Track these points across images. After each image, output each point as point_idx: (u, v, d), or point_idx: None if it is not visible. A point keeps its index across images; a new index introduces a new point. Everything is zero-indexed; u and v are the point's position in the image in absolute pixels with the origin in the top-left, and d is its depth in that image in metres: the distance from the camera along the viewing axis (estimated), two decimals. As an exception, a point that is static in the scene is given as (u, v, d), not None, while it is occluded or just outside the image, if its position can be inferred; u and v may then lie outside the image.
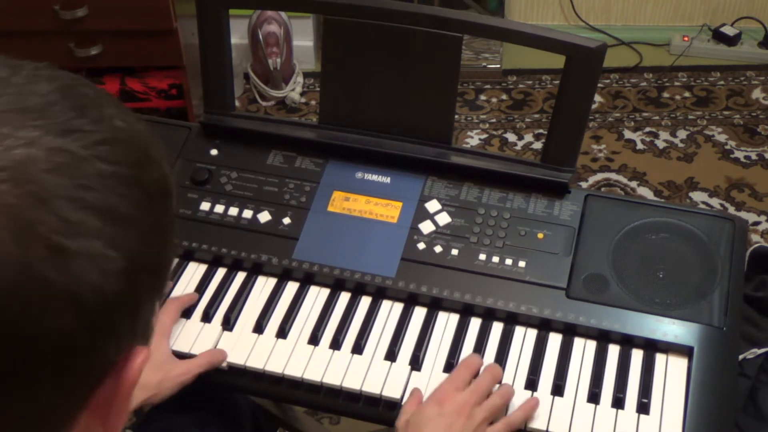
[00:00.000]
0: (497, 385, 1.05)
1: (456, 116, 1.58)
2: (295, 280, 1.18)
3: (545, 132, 1.40)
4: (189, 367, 1.07)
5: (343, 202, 1.22)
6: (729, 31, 2.92)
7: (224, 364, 1.10)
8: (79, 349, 0.47)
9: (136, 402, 1.00)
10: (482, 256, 1.16)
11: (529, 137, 2.64)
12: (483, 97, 2.79)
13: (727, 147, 2.59)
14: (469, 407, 0.99)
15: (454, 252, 1.17)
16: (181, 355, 1.10)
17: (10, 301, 0.43)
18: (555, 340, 1.12)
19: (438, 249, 1.17)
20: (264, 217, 1.21)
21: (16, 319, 0.43)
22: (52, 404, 0.47)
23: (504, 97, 2.79)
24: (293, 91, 2.76)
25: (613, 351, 1.10)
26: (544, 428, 1.03)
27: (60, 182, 0.45)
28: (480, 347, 1.11)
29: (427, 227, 1.19)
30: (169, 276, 0.55)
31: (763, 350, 1.46)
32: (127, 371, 0.51)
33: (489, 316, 1.14)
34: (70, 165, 0.46)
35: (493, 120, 2.71)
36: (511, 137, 2.65)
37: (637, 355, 1.10)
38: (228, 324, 1.14)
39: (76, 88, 0.50)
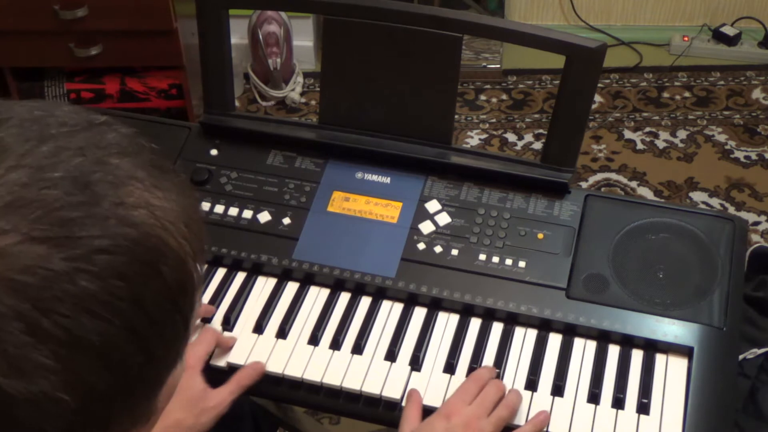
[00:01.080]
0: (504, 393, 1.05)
1: (456, 116, 1.58)
2: (295, 280, 1.18)
3: (545, 132, 1.40)
4: (222, 396, 1.04)
5: (343, 202, 1.22)
6: (729, 31, 2.91)
7: (224, 363, 1.10)
8: None
9: None
10: (482, 257, 1.16)
11: (529, 137, 2.64)
12: (483, 97, 2.79)
13: (727, 147, 2.59)
14: (476, 420, 0.99)
15: (454, 252, 1.17)
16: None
17: None
18: (555, 340, 1.12)
19: (438, 249, 1.17)
20: (264, 217, 1.21)
21: None
22: None
23: (504, 97, 2.79)
24: (293, 91, 2.76)
25: (613, 351, 1.10)
26: (544, 429, 1.03)
27: (17, 307, 0.40)
28: (480, 347, 1.11)
29: (427, 227, 1.19)
30: (168, 376, 0.50)
31: (763, 350, 1.46)
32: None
33: (489, 316, 1.14)
34: (38, 285, 0.40)
35: (493, 120, 2.71)
36: (511, 137, 2.64)
37: (637, 356, 1.10)
38: (228, 324, 1.14)
39: (103, 165, 0.44)
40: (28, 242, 0.41)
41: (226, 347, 1.11)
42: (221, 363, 1.10)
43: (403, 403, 1.05)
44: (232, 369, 1.10)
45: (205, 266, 1.11)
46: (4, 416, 0.40)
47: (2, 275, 0.40)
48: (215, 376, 1.08)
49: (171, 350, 0.49)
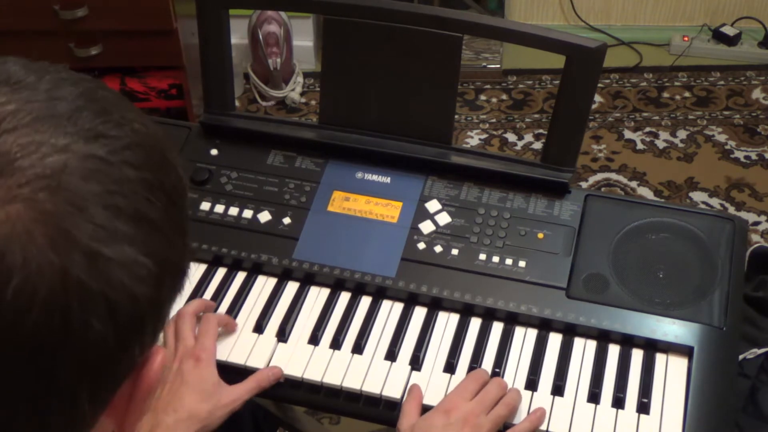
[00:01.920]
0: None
1: (456, 116, 1.58)
2: (295, 280, 1.18)
3: (545, 132, 1.40)
4: (239, 393, 1.04)
5: (343, 202, 1.22)
6: (729, 31, 2.92)
7: (221, 359, 1.10)
8: (110, 354, 0.47)
9: None
10: (482, 256, 1.16)
11: (529, 137, 2.64)
12: (483, 97, 2.79)
13: (727, 147, 2.59)
14: (475, 417, 0.99)
15: (454, 252, 1.17)
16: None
17: (51, 307, 0.43)
18: (555, 340, 1.12)
19: (438, 249, 1.17)
20: (264, 217, 1.21)
21: (56, 325, 0.44)
22: (82, 407, 0.48)
23: (504, 97, 2.79)
24: (293, 91, 2.76)
25: (613, 351, 1.10)
26: (544, 428, 1.03)
27: (93, 189, 0.46)
28: (480, 347, 1.11)
29: (427, 227, 1.19)
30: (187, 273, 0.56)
31: (763, 350, 1.46)
32: (147, 371, 0.52)
33: (489, 316, 1.14)
34: (101, 171, 0.46)
35: (493, 120, 2.71)
36: (511, 137, 2.65)
37: (637, 355, 1.10)
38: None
39: (97, 92, 0.51)
40: (79, 141, 0.46)
41: (232, 329, 1.12)
42: (221, 358, 1.10)
43: (403, 403, 1.05)
44: (233, 369, 1.10)
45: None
46: (104, 279, 0.45)
47: (75, 164, 0.45)
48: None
49: (186, 244, 0.53)
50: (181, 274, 0.53)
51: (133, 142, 0.49)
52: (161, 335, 0.56)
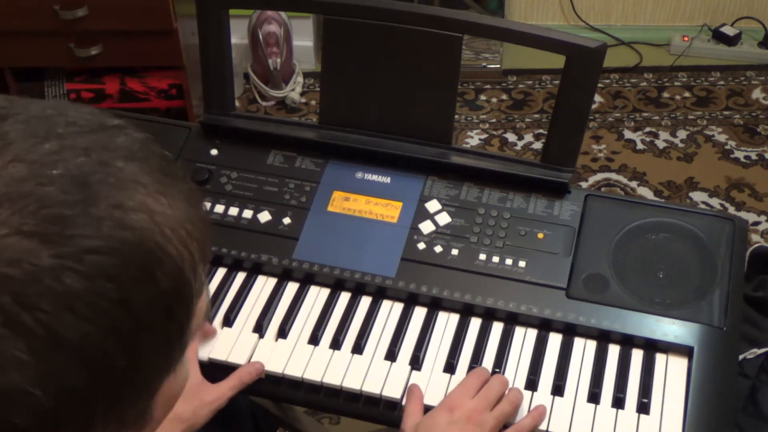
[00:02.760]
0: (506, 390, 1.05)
1: (456, 116, 1.58)
2: (295, 280, 1.18)
3: (545, 132, 1.40)
4: (222, 391, 1.04)
5: (343, 202, 1.22)
6: (729, 31, 2.91)
7: (221, 359, 1.10)
8: None
9: None
10: (482, 256, 1.16)
11: (529, 137, 2.64)
12: (483, 97, 2.79)
13: (727, 147, 2.59)
14: (479, 414, 0.99)
15: (454, 252, 1.17)
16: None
17: None
18: (555, 340, 1.12)
19: (438, 249, 1.17)
20: (264, 217, 1.21)
21: None
22: None
23: (504, 97, 2.79)
24: (293, 91, 2.76)
25: (613, 351, 1.10)
26: (544, 428, 1.03)
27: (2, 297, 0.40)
28: (480, 347, 1.11)
29: (427, 227, 1.19)
30: (178, 360, 0.50)
31: (763, 350, 1.46)
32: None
33: (489, 316, 1.14)
34: (21, 279, 0.40)
35: (493, 120, 2.71)
36: (511, 137, 2.65)
37: (637, 355, 1.10)
38: (228, 324, 1.14)
39: (106, 167, 0.45)
40: (17, 235, 0.41)
41: (211, 334, 1.11)
42: (221, 358, 1.10)
43: (404, 401, 1.05)
44: (232, 368, 1.10)
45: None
46: None
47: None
48: (215, 375, 1.08)
49: (161, 356, 0.48)
50: (121, 397, 0.46)
51: (104, 246, 0.42)
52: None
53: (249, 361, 1.10)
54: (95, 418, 0.44)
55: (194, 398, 1.02)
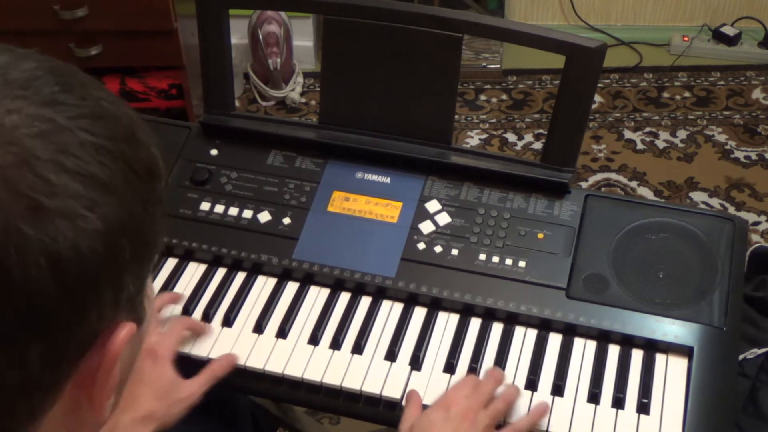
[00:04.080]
0: (502, 387, 1.05)
1: (456, 116, 1.58)
2: (295, 280, 1.18)
3: (545, 132, 1.40)
4: (195, 387, 1.05)
5: (343, 202, 1.22)
6: (729, 31, 2.92)
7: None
8: (60, 312, 0.47)
9: None
10: (482, 256, 1.16)
11: (529, 137, 2.64)
12: (483, 97, 2.79)
13: (727, 147, 2.59)
14: (474, 412, 0.99)
15: (454, 252, 1.17)
16: (181, 356, 1.09)
17: None
18: (555, 340, 1.12)
19: (438, 249, 1.17)
20: (264, 217, 1.21)
21: None
22: (37, 371, 0.48)
23: (504, 97, 2.79)
24: (293, 91, 2.76)
25: (613, 351, 1.10)
26: (544, 428, 1.03)
27: (42, 146, 0.47)
28: (480, 347, 1.11)
29: (427, 227, 1.19)
30: (157, 255, 0.56)
31: (763, 350, 1.46)
32: (111, 343, 0.52)
33: (489, 316, 1.14)
34: (52, 132, 0.47)
35: (493, 120, 2.71)
36: (511, 137, 2.65)
37: (637, 355, 1.10)
38: (228, 324, 1.14)
39: (63, 69, 0.52)
40: (33, 105, 0.48)
41: (200, 332, 1.11)
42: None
43: (403, 403, 1.05)
44: (233, 369, 1.10)
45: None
46: (44, 229, 0.46)
47: (27, 123, 0.47)
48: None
49: (154, 220, 0.54)
50: (146, 245, 0.53)
51: (93, 113, 0.50)
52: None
53: (248, 361, 1.10)
54: (127, 260, 0.51)
55: (167, 396, 1.02)
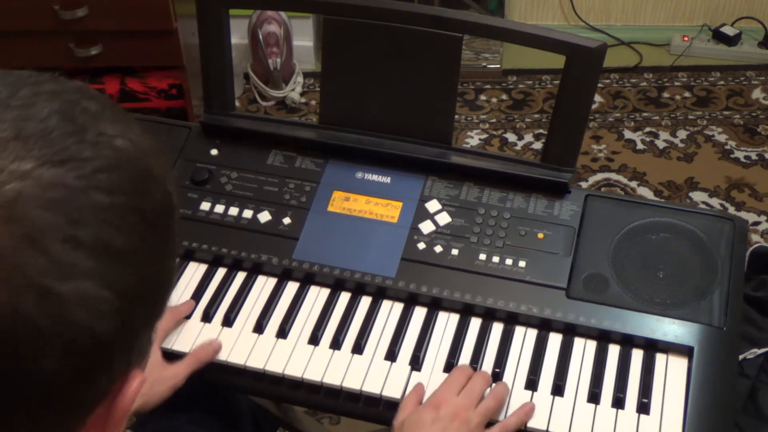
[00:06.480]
0: (493, 385, 1.05)
1: (456, 116, 1.58)
2: (295, 280, 1.18)
3: (545, 132, 1.40)
4: (179, 369, 1.07)
5: (343, 202, 1.22)
6: (729, 31, 2.91)
7: (221, 359, 1.10)
8: (71, 387, 0.46)
9: None
10: (482, 256, 1.16)
11: (529, 137, 2.64)
12: (483, 97, 2.79)
13: (727, 147, 2.59)
14: (464, 411, 1.00)
15: (454, 252, 1.17)
16: (181, 356, 1.10)
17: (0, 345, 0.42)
18: (555, 340, 1.12)
19: (438, 249, 1.17)
20: (264, 217, 1.21)
21: (6, 362, 0.43)
22: (45, 429, 0.47)
23: (504, 97, 2.79)
24: (293, 91, 2.76)
25: (613, 351, 1.10)
26: (544, 428, 1.03)
27: (52, 220, 0.44)
28: (480, 347, 1.11)
29: (427, 227, 1.19)
30: (169, 296, 0.54)
31: (763, 350, 1.46)
32: (122, 397, 0.51)
33: (489, 316, 1.14)
34: (64, 200, 0.45)
35: (493, 120, 2.71)
36: (511, 137, 2.65)
37: (637, 355, 1.10)
38: (228, 324, 1.14)
39: (77, 105, 0.49)
40: (43, 167, 0.45)
41: (186, 313, 1.13)
42: (221, 358, 1.10)
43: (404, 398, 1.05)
44: (233, 369, 1.10)
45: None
46: (56, 316, 0.43)
47: (35, 193, 0.44)
48: (216, 375, 1.09)
49: (167, 266, 0.52)
50: (158, 299, 0.51)
51: (108, 165, 0.47)
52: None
53: (248, 361, 1.10)
54: (144, 320, 0.50)
55: (151, 374, 1.03)
